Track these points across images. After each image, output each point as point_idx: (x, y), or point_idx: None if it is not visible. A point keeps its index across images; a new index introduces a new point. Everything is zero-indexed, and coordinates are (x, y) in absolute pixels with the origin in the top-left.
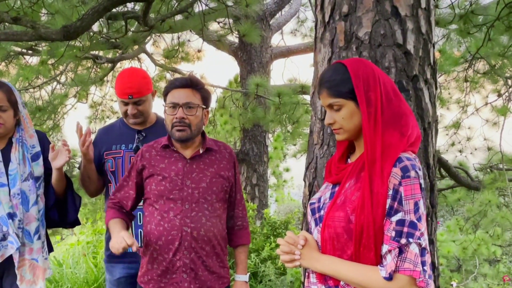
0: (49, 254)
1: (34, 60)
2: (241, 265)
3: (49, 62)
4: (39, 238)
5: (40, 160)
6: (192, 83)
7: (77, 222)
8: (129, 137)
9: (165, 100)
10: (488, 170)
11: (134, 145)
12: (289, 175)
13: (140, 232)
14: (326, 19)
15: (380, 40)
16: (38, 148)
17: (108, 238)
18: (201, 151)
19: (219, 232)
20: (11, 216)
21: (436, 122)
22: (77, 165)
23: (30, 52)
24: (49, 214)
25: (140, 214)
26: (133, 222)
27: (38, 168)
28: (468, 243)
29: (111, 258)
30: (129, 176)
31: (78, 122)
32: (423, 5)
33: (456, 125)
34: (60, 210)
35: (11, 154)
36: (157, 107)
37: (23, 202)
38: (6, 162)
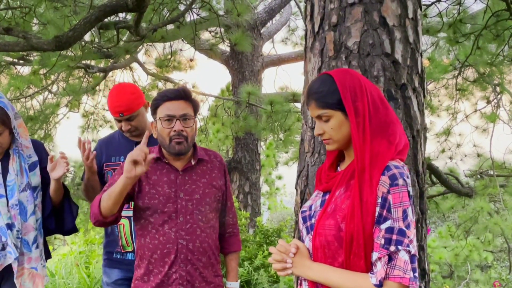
0: (46, 261)
1: (25, 70)
2: (232, 272)
3: (41, 71)
4: (37, 247)
5: (37, 170)
6: (185, 95)
7: (74, 230)
8: (127, 148)
9: (154, 113)
10: (478, 176)
11: None
12: (281, 182)
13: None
14: (316, 29)
15: (368, 50)
16: (35, 158)
17: (106, 244)
18: (193, 162)
19: (213, 242)
20: (10, 226)
21: (424, 130)
22: (70, 175)
23: (21, 62)
24: (46, 223)
25: (125, 222)
26: (132, 230)
27: (35, 178)
28: (459, 249)
29: (108, 262)
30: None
31: (80, 137)
32: (411, 15)
33: (446, 132)
34: (57, 219)
35: (9, 166)
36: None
37: (21, 212)
38: (4, 173)
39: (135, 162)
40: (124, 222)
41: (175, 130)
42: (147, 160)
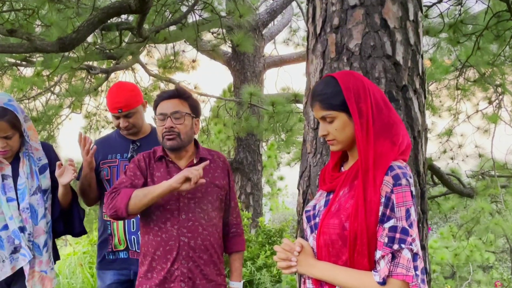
0: (55, 263)
1: (28, 71)
2: (236, 272)
3: (44, 73)
4: (47, 250)
5: (47, 173)
6: (179, 93)
7: (83, 232)
8: (124, 147)
9: (155, 113)
10: (480, 176)
11: (129, 155)
12: (283, 183)
13: (134, 238)
14: (318, 31)
15: (370, 52)
16: (45, 160)
17: (100, 245)
18: (195, 161)
19: (216, 240)
20: (22, 229)
21: (425, 131)
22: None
23: (24, 63)
24: (55, 225)
25: (133, 221)
26: (125, 228)
27: (46, 181)
28: (461, 249)
29: (102, 265)
30: (134, 171)
31: (81, 132)
32: (411, 17)
33: (448, 132)
34: (66, 221)
35: (19, 169)
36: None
37: (32, 216)
38: (15, 176)
39: (187, 179)
40: None
41: (166, 127)
42: (198, 182)
